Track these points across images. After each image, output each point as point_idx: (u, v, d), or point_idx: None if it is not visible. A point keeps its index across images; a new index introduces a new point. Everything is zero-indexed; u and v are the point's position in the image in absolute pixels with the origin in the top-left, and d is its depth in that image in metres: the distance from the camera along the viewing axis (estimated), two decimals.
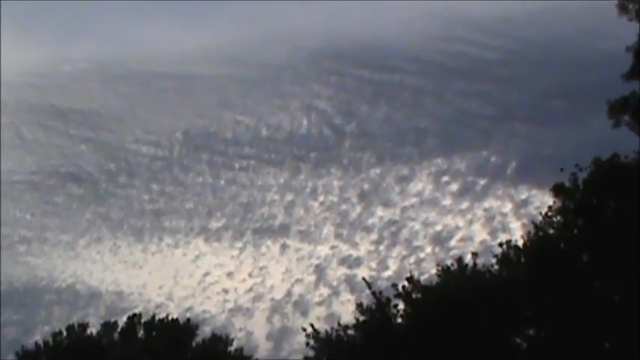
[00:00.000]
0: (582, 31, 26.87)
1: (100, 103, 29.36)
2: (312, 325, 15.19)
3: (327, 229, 26.33)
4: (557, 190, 13.24)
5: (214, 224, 27.38)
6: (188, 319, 20.72)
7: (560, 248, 13.30)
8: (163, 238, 27.33)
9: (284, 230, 26.65)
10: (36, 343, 20.12)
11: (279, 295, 24.64)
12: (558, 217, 13.50)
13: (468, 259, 15.32)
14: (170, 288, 25.69)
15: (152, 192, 28.25)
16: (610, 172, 12.68)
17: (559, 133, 25.37)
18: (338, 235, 26.03)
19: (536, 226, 13.90)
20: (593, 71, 22.87)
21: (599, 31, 23.88)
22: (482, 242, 23.53)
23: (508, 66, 28.20)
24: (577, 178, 13.03)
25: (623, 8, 12.22)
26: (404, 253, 24.73)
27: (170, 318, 20.27)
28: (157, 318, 20.20)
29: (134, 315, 20.34)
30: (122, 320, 20.21)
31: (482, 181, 25.61)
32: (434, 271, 15.90)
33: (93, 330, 19.93)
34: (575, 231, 13.27)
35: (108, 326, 20.01)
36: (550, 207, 13.49)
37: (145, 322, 20.11)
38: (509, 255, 15.18)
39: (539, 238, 13.83)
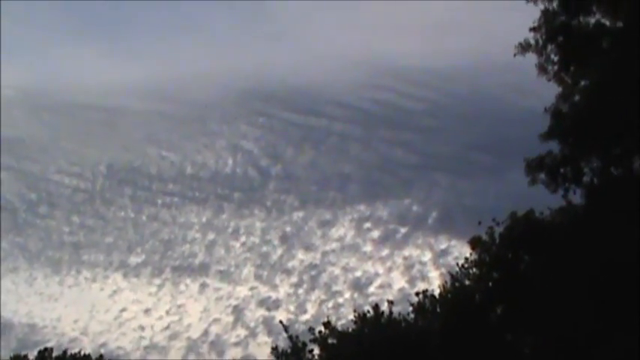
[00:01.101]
0: (506, 86, 27.45)
1: (25, 131, 29.03)
2: None
3: (247, 270, 26.24)
4: (474, 243, 13.49)
5: (134, 260, 27.11)
6: (101, 355, 20.45)
7: (474, 300, 13.50)
8: (81, 272, 26.94)
9: (204, 269, 26.49)
10: None
11: (195, 334, 24.42)
12: (474, 269, 13.74)
13: (385, 306, 15.52)
14: (85, 322, 25.27)
15: (72, 224, 27.91)
16: (525, 227, 12.95)
17: (480, 185, 25.78)
18: (258, 277, 25.97)
19: (452, 276, 14.13)
20: (515, 127, 23.31)
21: (522, 88, 24.42)
22: (400, 290, 23.66)
23: (433, 117, 28.64)
24: (494, 231, 13.29)
25: (542, 69, 12.58)
26: (323, 297, 24.75)
27: (82, 353, 19.99)
28: (68, 353, 19.91)
29: (45, 349, 20.00)
30: (33, 354, 19.89)
31: (403, 229, 25.81)
32: (351, 316, 16.07)
33: None
34: (490, 284, 13.49)
35: (18, 359, 19.66)
36: (466, 259, 13.74)
37: (56, 357, 19.79)
38: (426, 304, 15.40)
39: (455, 288, 14.05)
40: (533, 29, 12.65)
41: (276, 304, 25.04)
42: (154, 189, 28.15)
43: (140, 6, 34.49)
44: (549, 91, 12.77)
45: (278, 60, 31.18)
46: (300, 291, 25.32)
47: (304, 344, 15.22)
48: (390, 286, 24.87)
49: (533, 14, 12.61)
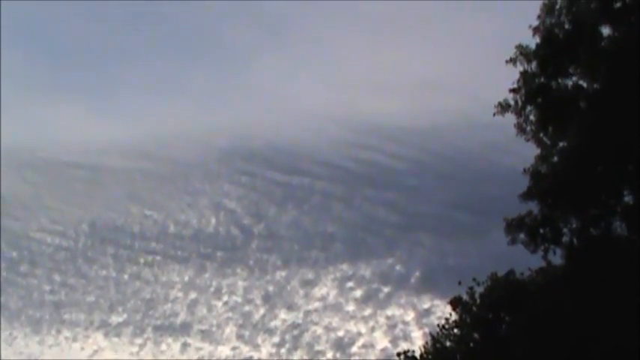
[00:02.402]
0: (486, 145, 27.57)
1: (6, 189, 28.86)
2: None
3: (230, 330, 26.03)
4: (455, 304, 13.44)
5: (115, 319, 26.85)
6: None
7: None
8: (62, 331, 26.65)
9: (186, 328, 26.25)
10: None
11: None
12: (455, 330, 13.68)
13: None
14: None
15: (54, 283, 27.66)
16: (506, 287, 12.94)
17: (463, 244, 25.73)
18: (240, 336, 25.74)
19: (433, 337, 14.05)
20: (496, 186, 23.40)
21: (503, 147, 24.57)
22: (383, 350, 23.56)
23: (415, 176, 28.69)
24: (474, 291, 13.27)
25: (520, 129, 12.69)
26: (305, 357, 24.54)
27: None
28: None
29: None
30: None
31: (386, 289, 25.70)
32: None
33: None
34: (471, 344, 13.44)
35: None
36: (447, 319, 13.68)
37: None
38: None
39: (436, 350, 13.96)
40: (512, 90, 12.79)
41: None
42: (137, 247, 28.01)
43: (120, 65, 34.74)
44: (530, 150, 12.90)
45: (260, 119, 31.30)
46: (283, 350, 25.12)
47: None
48: (372, 345, 24.72)
49: (512, 75, 12.81)
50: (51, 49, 34.77)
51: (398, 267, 27.98)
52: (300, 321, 26.14)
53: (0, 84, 31.30)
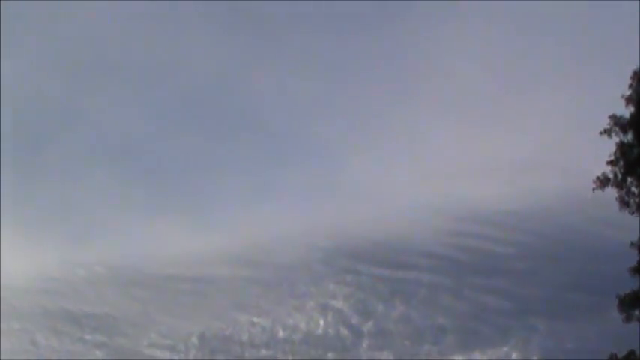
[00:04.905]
0: (591, 221, 26.93)
1: (115, 307, 29.24)
2: None
3: None
4: None
5: None
6: None
7: None
8: None
9: None
10: None
11: None
12: None
13: None
14: None
15: None
16: None
17: (579, 326, 24.94)
18: None
19: None
20: (606, 261, 22.75)
21: (608, 221, 23.85)
22: None
23: (522, 259, 28.07)
24: None
25: (623, 202, 12.17)
26: None
27: None
28: None
29: None
30: None
31: None
32: None
33: None
34: None
35: None
36: None
37: None
38: None
39: None
40: (610, 162, 12.34)
41: None
42: (247, 356, 27.88)
43: (214, 175, 35.21)
44: (635, 223, 12.35)
45: (359, 215, 31.20)
46: None
47: None
48: None
49: (608, 147, 12.36)
50: (146, 167, 35.46)
51: (514, 354, 27.17)
52: None
53: (103, 208, 32.06)
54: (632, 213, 12.16)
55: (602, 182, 12.27)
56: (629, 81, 12.34)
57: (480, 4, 36.80)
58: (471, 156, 32.80)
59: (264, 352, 28.23)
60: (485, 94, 32.96)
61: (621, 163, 12.22)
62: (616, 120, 12.35)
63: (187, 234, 32.38)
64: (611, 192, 12.42)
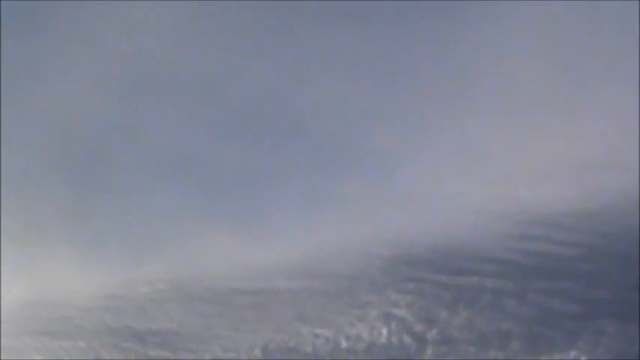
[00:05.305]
0: None
1: (178, 322, 29.28)
2: None
3: None
4: None
5: None
6: None
7: None
8: None
9: None
10: None
11: None
12: None
13: None
14: None
15: None
16: None
17: None
18: None
19: None
20: None
21: None
22: None
23: (589, 261, 27.58)
24: None
25: None
26: None
27: None
28: None
29: None
30: None
31: None
32: None
33: None
34: None
35: None
36: None
37: None
38: None
39: None
40: None
41: None
42: None
43: (270, 186, 35.13)
44: None
45: (417, 222, 30.92)
46: None
47: None
48: None
49: None
50: (202, 181, 35.61)
51: (583, 358, 26.69)
52: None
53: (160, 224, 32.19)
54: None
55: None
56: None
57: (527, 3, 36.49)
58: (529, 157, 32.35)
59: None
60: (542, 95, 32.50)
61: None
62: None
63: (247, 247, 32.41)
64: None
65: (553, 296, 27.23)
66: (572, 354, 25.52)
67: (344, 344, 28.03)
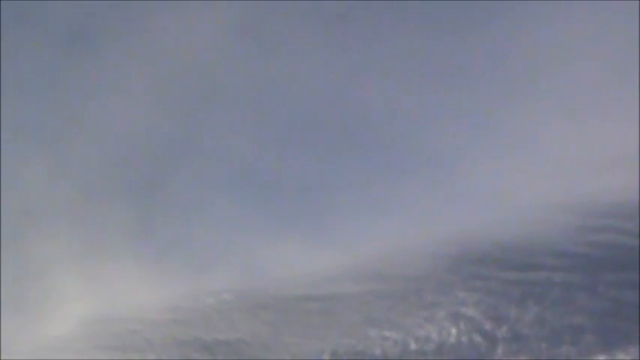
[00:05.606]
0: None
1: (245, 331, 29.31)
2: None
3: None
4: None
5: None
6: None
7: None
8: None
9: None
10: None
11: None
12: None
13: None
14: None
15: None
16: None
17: None
18: None
19: None
20: None
21: None
22: None
23: None
24: None
25: None
26: None
27: None
28: None
29: None
30: None
31: None
32: None
33: None
34: None
35: None
36: None
37: None
38: None
39: None
40: None
41: None
42: None
43: (331, 192, 35.05)
44: None
45: (481, 220, 30.60)
46: None
47: None
48: None
49: None
50: (263, 190, 35.64)
51: None
52: None
53: (224, 234, 32.28)
54: None
55: None
56: None
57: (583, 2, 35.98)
58: (592, 149, 31.79)
59: None
60: (599, 87, 32.06)
61: None
62: None
63: (311, 253, 32.33)
64: None
65: (625, 288, 26.66)
66: None
67: (413, 346, 27.75)
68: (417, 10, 37.89)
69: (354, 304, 29.54)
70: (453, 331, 27.73)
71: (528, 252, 29.02)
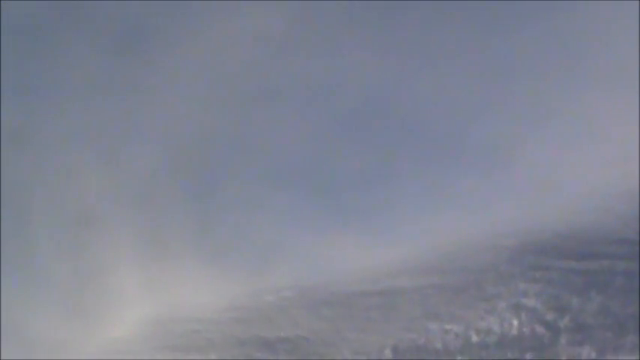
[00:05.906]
0: None
1: (306, 328, 29.34)
2: None
3: None
4: None
5: None
6: None
7: None
8: None
9: None
10: None
11: None
12: None
13: None
14: None
15: None
16: None
17: None
18: None
19: None
20: None
21: None
22: None
23: None
24: None
25: None
26: None
27: None
28: None
29: None
30: None
31: None
32: None
33: None
34: None
35: None
36: None
37: None
38: None
39: None
40: None
41: None
42: None
43: (386, 187, 34.98)
44: None
45: (539, 209, 30.32)
46: None
47: None
48: None
49: None
50: (320, 186, 35.72)
51: None
52: None
53: (284, 232, 32.41)
54: None
55: None
56: None
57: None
58: None
59: (459, 358, 27.63)
60: None
61: None
62: None
63: (369, 248, 32.30)
64: None
65: None
66: None
67: (474, 339, 27.60)
68: (467, 4, 37.65)
69: (414, 298, 29.45)
70: (515, 322, 27.51)
71: (589, 241, 28.68)
